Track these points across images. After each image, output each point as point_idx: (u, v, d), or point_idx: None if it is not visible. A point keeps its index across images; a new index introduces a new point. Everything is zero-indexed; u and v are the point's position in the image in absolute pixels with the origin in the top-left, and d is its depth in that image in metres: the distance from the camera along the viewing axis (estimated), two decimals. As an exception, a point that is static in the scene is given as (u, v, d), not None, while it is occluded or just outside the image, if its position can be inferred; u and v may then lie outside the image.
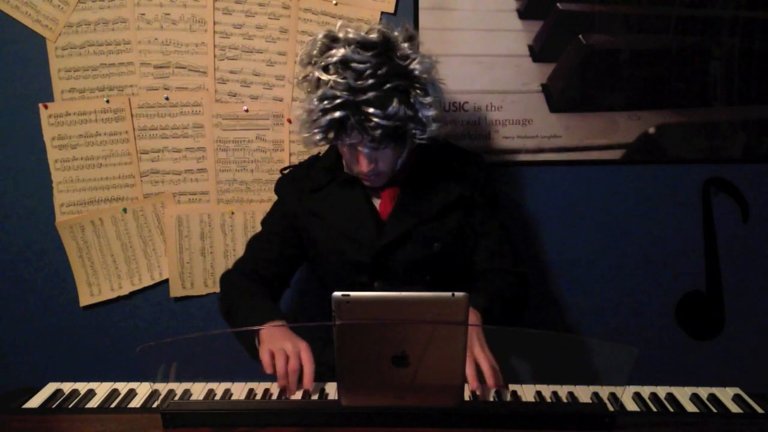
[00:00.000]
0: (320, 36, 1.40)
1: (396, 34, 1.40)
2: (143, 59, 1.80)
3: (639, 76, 1.82)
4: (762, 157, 1.87)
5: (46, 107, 1.81)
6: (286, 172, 1.66)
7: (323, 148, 1.67)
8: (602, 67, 1.82)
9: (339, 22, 1.43)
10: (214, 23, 1.79)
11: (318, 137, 1.39)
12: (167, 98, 1.82)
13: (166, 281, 1.91)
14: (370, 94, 1.33)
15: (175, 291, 1.92)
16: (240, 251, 1.89)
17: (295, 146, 1.85)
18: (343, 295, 1.00)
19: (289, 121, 1.84)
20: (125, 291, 1.91)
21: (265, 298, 1.51)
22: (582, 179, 1.88)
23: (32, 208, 1.87)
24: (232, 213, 1.88)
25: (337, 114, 1.34)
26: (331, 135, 1.38)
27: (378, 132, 1.34)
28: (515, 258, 1.58)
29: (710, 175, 1.89)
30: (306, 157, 1.77)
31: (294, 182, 1.61)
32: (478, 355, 1.27)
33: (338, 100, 1.33)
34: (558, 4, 1.79)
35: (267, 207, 1.86)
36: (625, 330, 1.96)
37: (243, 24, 1.79)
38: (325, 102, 1.35)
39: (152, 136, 1.84)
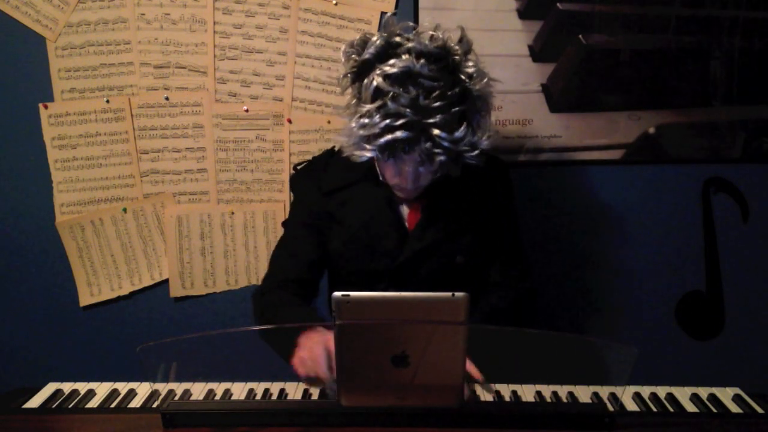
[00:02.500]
0: (377, 39, 1.28)
1: (455, 46, 1.30)
2: (143, 59, 1.80)
3: (639, 76, 1.82)
4: (762, 157, 1.87)
5: (46, 107, 1.81)
6: (300, 167, 1.57)
7: (325, 148, 1.67)
8: (602, 67, 1.82)
9: (386, 17, 1.33)
10: (214, 23, 1.79)
11: (370, 154, 1.28)
12: (167, 98, 1.82)
13: (166, 281, 1.91)
14: (438, 117, 1.23)
15: (175, 291, 1.92)
16: (240, 251, 1.89)
17: (295, 146, 1.85)
18: (343, 295, 1.00)
19: (289, 121, 1.84)
20: (125, 291, 1.91)
21: (300, 304, 1.46)
22: (582, 179, 1.88)
23: (32, 208, 1.87)
24: (232, 213, 1.88)
25: (401, 134, 1.22)
26: (386, 153, 1.27)
27: (442, 157, 1.26)
28: (526, 273, 1.55)
29: (710, 175, 1.89)
30: (307, 156, 1.77)
31: (312, 178, 1.52)
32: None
33: (404, 120, 1.22)
34: (558, 4, 1.79)
35: (267, 207, 1.87)
36: (625, 330, 1.96)
37: (243, 24, 1.79)
38: (389, 120, 1.23)
39: (152, 136, 1.84)
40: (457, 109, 1.26)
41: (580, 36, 1.80)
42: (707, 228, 1.91)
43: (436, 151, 1.25)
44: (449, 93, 1.25)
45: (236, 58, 1.81)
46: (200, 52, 1.80)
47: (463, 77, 1.29)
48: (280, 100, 1.83)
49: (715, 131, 1.86)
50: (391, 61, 1.25)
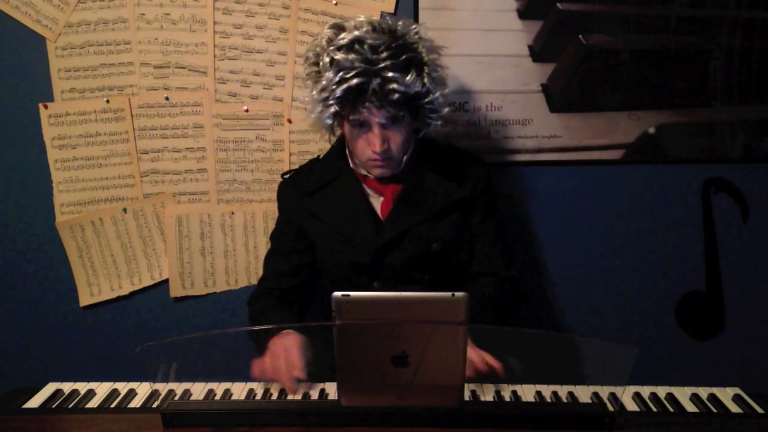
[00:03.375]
0: (325, 29, 1.42)
1: (400, 24, 1.42)
2: (143, 59, 1.80)
3: (639, 76, 1.82)
4: (762, 157, 1.87)
5: (46, 107, 1.81)
6: (287, 177, 1.65)
7: (324, 149, 1.67)
8: (602, 67, 1.82)
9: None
10: (214, 23, 1.79)
11: (332, 110, 1.38)
12: (167, 98, 1.82)
13: (166, 281, 1.91)
14: (388, 63, 1.33)
15: (175, 291, 1.91)
16: (240, 251, 1.89)
17: (295, 146, 1.85)
18: (343, 295, 1.00)
19: (289, 121, 1.84)
20: (125, 291, 1.91)
21: (279, 310, 1.53)
22: (582, 179, 1.88)
23: (32, 208, 1.87)
24: (232, 213, 1.88)
25: (355, 81, 1.33)
26: (346, 109, 1.37)
27: (396, 96, 1.34)
28: (508, 261, 1.57)
29: (710, 175, 1.89)
30: (307, 156, 1.77)
31: (292, 186, 1.61)
32: (472, 357, 1.28)
33: (356, 70, 1.33)
34: (558, 4, 1.79)
35: (267, 207, 1.87)
36: (625, 330, 1.96)
37: (243, 24, 1.79)
38: (342, 73, 1.34)
39: (152, 136, 1.84)
40: (405, 57, 1.36)
41: (580, 36, 1.80)
42: (707, 228, 1.91)
43: (389, 87, 1.33)
44: (394, 45, 1.36)
45: (236, 58, 1.80)
46: (200, 52, 1.80)
47: (407, 38, 1.40)
48: (280, 100, 1.83)
49: (715, 131, 1.86)
50: (341, 35, 1.38)
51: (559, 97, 1.83)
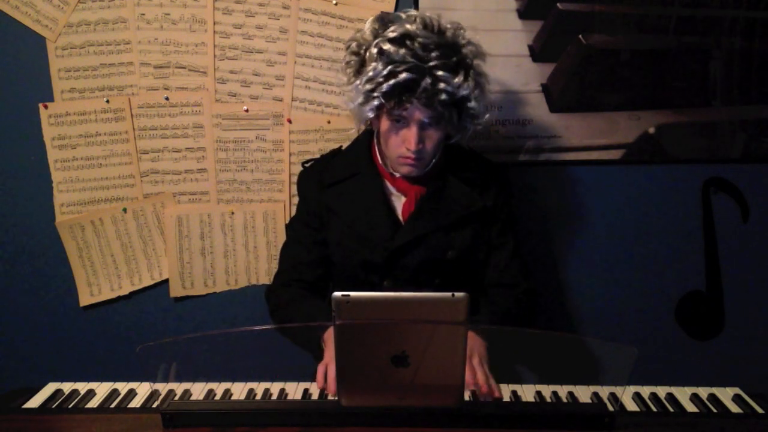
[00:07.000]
0: (371, 20, 1.41)
1: (449, 25, 1.40)
2: (143, 59, 1.80)
3: (639, 76, 1.82)
4: (762, 157, 1.87)
5: (46, 107, 1.81)
6: (307, 165, 1.63)
7: (324, 149, 1.67)
8: (602, 67, 1.82)
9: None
10: (214, 23, 1.79)
11: (377, 102, 1.36)
12: (167, 98, 1.82)
13: (166, 281, 1.91)
14: (439, 62, 1.33)
15: (175, 291, 1.91)
16: (240, 251, 1.89)
17: (295, 146, 1.85)
18: (343, 295, 1.00)
19: (289, 121, 1.84)
20: (125, 291, 1.91)
21: (316, 300, 1.50)
22: (582, 179, 1.88)
23: (32, 208, 1.87)
24: (232, 213, 1.88)
25: (405, 76, 1.31)
26: (391, 103, 1.35)
27: (444, 97, 1.33)
28: (526, 274, 1.57)
29: (710, 175, 1.89)
30: (307, 156, 1.77)
31: (314, 176, 1.57)
32: (477, 367, 1.27)
33: (406, 65, 1.32)
34: (558, 4, 1.79)
35: (267, 207, 1.87)
36: (625, 330, 1.96)
37: (243, 24, 1.79)
38: (391, 66, 1.32)
39: (152, 136, 1.84)
40: (454, 59, 1.35)
41: (580, 36, 1.80)
42: (707, 228, 1.91)
43: (439, 87, 1.32)
44: (444, 45, 1.35)
45: (236, 58, 1.80)
46: (200, 52, 1.80)
47: (457, 40, 1.39)
48: (280, 100, 1.83)
49: (715, 131, 1.86)
50: (392, 28, 1.36)
51: (559, 97, 1.83)
